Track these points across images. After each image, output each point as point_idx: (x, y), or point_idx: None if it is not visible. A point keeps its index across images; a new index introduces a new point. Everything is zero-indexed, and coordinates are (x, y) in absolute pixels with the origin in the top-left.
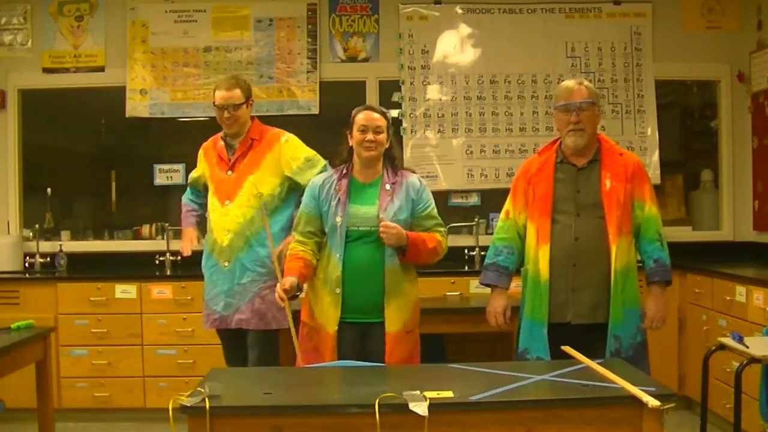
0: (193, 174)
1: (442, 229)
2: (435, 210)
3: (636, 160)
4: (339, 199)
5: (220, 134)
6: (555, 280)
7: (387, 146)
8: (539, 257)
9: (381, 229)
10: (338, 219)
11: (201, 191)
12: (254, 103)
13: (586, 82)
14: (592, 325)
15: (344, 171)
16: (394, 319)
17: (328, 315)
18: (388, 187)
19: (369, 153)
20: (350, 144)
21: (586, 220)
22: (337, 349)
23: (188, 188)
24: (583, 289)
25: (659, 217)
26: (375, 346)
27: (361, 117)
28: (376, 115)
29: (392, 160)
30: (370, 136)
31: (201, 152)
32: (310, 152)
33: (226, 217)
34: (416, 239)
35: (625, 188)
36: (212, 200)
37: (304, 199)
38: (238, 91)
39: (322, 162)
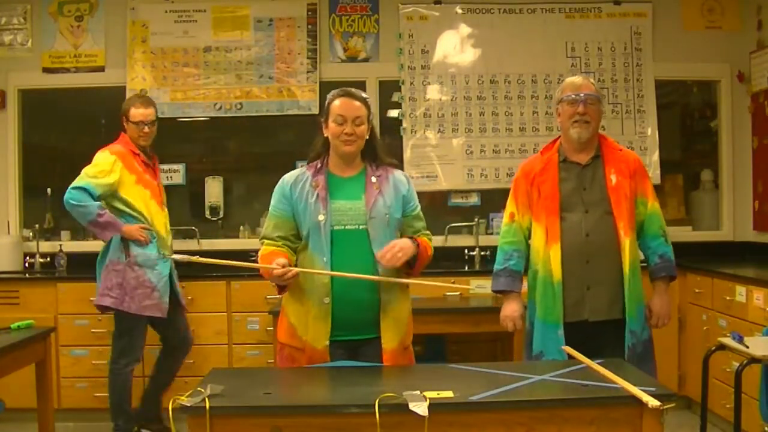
0: (108, 180)
1: (430, 233)
2: (421, 210)
3: (635, 156)
4: (318, 195)
5: (130, 147)
6: (568, 278)
7: (368, 137)
8: (550, 257)
9: (387, 257)
10: (321, 217)
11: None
12: (255, 104)
13: (591, 80)
14: (606, 322)
15: (319, 165)
16: (390, 335)
17: (316, 330)
18: (373, 179)
19: (348, 148)
20: (325, 134)
21: (596, 216)
22: None
23: (98, 198)
24: (598, 285)
25: (662, 213)
26: (369, 362)
27: (337, 104)
28: (357, 103)
29: (374, 152)
30: (348, 128)
31: (116, 158)
32: None
33: (162, 216)
34: (422, 251)
35: (629, 184)
36: (151, 203)
37: (273, 200)
38: (152, 110)
39: None
